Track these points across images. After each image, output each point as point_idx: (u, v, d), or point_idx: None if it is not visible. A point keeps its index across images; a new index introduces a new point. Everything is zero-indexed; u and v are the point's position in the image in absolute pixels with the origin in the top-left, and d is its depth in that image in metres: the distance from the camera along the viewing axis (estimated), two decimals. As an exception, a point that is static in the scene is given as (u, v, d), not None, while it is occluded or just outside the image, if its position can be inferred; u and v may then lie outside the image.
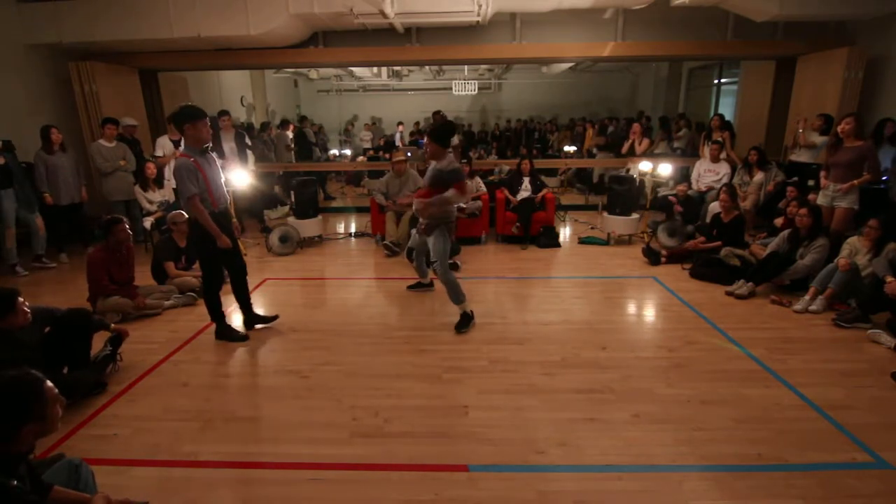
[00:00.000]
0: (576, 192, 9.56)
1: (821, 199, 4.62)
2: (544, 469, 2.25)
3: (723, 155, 6.33)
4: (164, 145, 6.05)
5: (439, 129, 3.55)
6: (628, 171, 6.83)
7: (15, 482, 1.45)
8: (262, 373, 3.22)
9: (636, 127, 7.62)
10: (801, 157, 5.90)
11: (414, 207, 3.61)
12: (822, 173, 4.67)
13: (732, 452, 2.33)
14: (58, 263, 5.44)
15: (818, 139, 5.68)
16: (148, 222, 5.57)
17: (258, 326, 3.78)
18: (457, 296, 3.65)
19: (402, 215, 5.73)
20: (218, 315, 3.60)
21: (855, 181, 4.37)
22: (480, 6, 5.62)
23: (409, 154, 6.72)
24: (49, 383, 1.56)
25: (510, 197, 6.10)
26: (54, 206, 5.35)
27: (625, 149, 7.56)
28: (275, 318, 3.86)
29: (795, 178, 5.76)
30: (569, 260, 5.50)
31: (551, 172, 9.47)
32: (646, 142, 7.44)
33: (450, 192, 3.42)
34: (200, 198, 3.22)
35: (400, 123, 13.79)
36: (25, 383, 1.52)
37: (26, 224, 5.18)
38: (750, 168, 5.98)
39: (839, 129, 4.43)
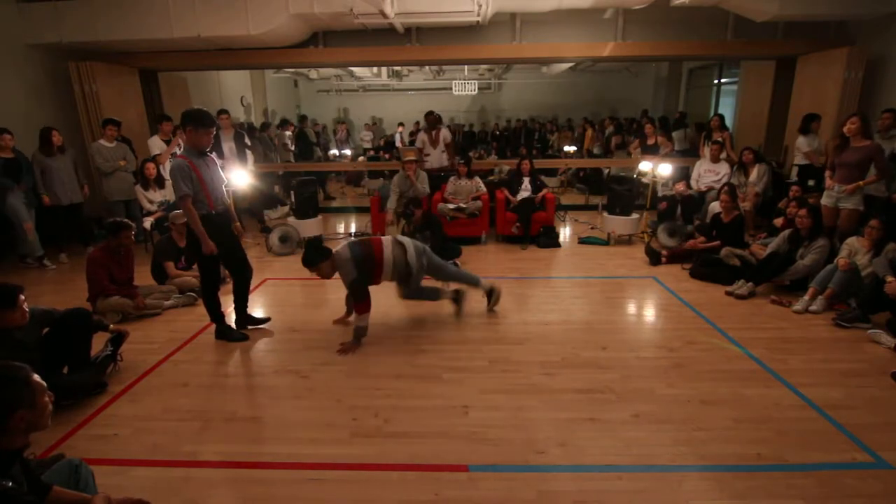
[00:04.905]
0: (576, 192, 9.57)
1: (825, 200, 4.52)
2: (544, 469, 2.25)
3: (723, 155, 6.32)
4: (157, 145, 6.06)
5: None
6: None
7: (10, 483, 1.42)
8: (262, 373, 3.22)
9: (649, 128, 7.27)
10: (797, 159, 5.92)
11: None
12: (828, 173, 4.56)
13: (732, 452, 2.33)
14: (57, 263, 5.44)
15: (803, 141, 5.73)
16: (148, 222, 5.58)
17: (255, 327, 3.78)
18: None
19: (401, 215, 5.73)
20: (217, 315, 3.60)
21: (861, 182, 4.26)
22: (480, 6, 5.62)
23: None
24: (34, 374, 1.54)
25: (510, 197, 6.10)
26: (54, 206, 5.35)
27: (632, 148, 7.39)
28: (267, 319, 3.86)
29: (795, 178, 5.76)
30: (569, 260, 5.49)
31: (551, 172, 9.48)
32: (663, 140, 7.05)
33: None
34: (195, 199, 3.25)
35: (400, 124, 13.78)
36: (10, 368, 1.50)
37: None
38: (745, 168, 5.96)
39: (844, 129, 4.28)
